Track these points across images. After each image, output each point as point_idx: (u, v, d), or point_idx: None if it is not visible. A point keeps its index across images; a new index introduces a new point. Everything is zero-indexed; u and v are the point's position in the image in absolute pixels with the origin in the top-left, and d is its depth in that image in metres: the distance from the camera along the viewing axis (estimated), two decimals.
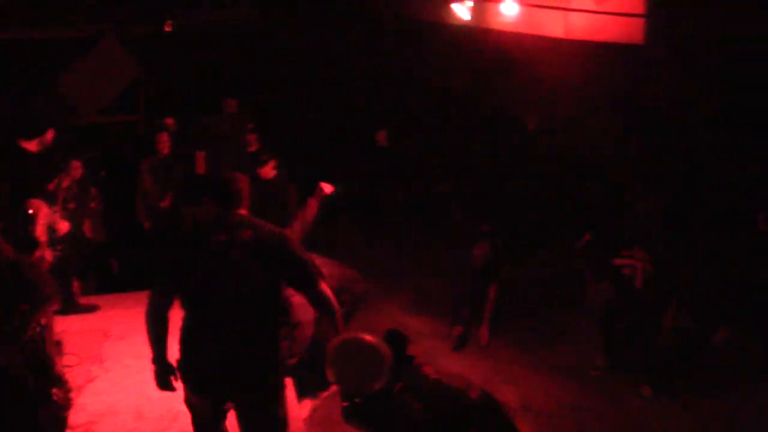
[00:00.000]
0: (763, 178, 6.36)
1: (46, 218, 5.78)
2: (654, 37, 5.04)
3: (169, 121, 9.03)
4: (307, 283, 3.62)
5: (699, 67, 5.57)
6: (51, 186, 6.34)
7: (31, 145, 5.95)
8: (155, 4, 9.57)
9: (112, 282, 7.72)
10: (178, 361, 3.65)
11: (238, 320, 3.50)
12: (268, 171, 7.09)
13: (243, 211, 3.64)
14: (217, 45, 10.60)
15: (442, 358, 6.70)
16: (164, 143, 8.09)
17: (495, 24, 6.91)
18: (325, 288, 3.63)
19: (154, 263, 3.67)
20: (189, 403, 3.76)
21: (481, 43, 7.86)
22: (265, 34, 10.78)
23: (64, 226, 6.55)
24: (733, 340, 6.36)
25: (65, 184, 7.51)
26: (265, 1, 10.54)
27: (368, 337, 3.31)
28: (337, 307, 3.68)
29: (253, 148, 8.82)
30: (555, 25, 6.22)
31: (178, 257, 3.57)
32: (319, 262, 3.85)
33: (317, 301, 3.67)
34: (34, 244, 5.82)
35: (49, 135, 5.98)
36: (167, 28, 9.56)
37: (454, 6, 7.19)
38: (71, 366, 5.82)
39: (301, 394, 5.26)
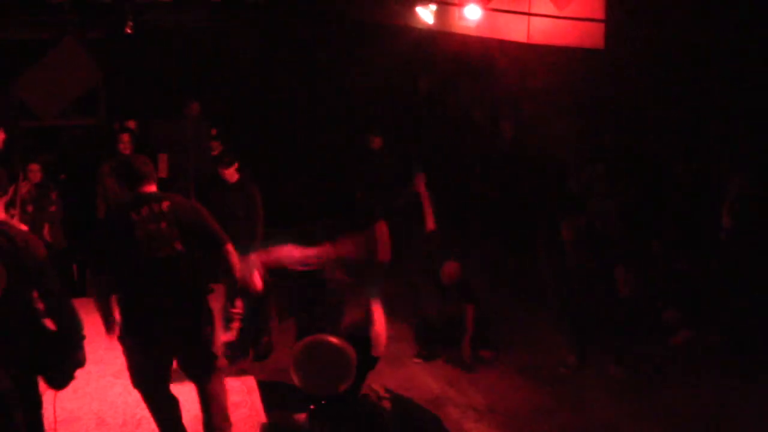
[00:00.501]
0: (724, 177, 6.49)
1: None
2: (613, 42, 5.14)
3: (131, 123, 8.95)
4: (217, 244, 4.22)
5: (657, 70, 5.67)
6: (9, 190, 6.22)
7: None
8: (116, 7, 9.44)
9: (73, 287, 7.59)
10: (122, 327, 4.21)
11: (170, 280, 4.10)
12: (232, 173, 7.04)
13: (152, 188, 4.23)
14: (179, 48, 10.51)
15: (408, 362, 6.74)
16: (126, 144, 8.01)
17: (458, 28, 6.96)
18: (231, 250, 4.26)
19: (91, 249, 4.41)
20: (134, 363, 4.34)
21: (444, 47, 7.91)
22: (227, 37, 10.73)
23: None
24: (695, 341, 6.49)
25: (24, 188, 7.41)
26: (228, 4, 10.47)
27: (333, 339, 3.34)
28: (240, 274, 4.37)
29: (216, 152, 8.77)
30: (517, 30, 6.29)
31: (109, 237, 4.23)
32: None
33: (224, 260, 4.25)
34: None
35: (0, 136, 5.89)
36: (128, 30, 9.44)
37: (419, 9, 7.24)
38: None
39: None
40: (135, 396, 5.32)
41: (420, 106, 10.02)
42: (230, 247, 4.27)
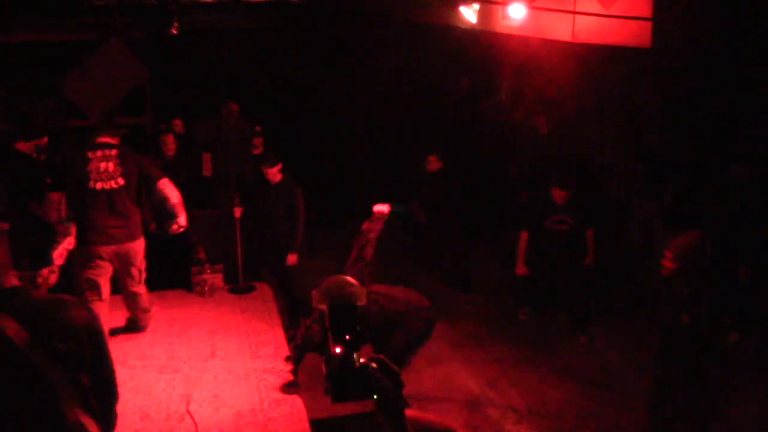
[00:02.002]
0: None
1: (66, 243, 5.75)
2: (660, 41, 5.06)
3: (177, 122, 9.08)
4: (152, 180, 5.94)
5: (705, 71, 5.57)
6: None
7: (26, 148, 6.00)
8: (161, 8, 9.58)
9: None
10: (76, 237, 4.91)
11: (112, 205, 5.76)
12: (275, 173, 7.10)
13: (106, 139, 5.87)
14: (222, 48, 10.63)
15: (446, 362, 6.72)
16: (169, 145, 8.11)
17: (501, 27, 6.91)
18: (166, 184, 5.98)
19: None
20: (87, 258, 5.71)
21: (487, 47, 7.86)
22: (270, 37, 10.82)
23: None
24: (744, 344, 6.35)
25: None
26: (270, 5, 10.56)
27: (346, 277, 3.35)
28: (178, 199, 5.96)
29: (258, 151, 8.86)
30: (562, 29, 6.22)
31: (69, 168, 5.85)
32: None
33: (158, 192, 5.94)
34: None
35: (45, 140, 6.07)
36: (174, 31, 9.58)
37: (462, 9, 7.21)
38: None
39: None
40: (179, 391, 5.44)
41: (461, 106, 9.99)
42: (164, 182, 5.96)
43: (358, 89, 10.49)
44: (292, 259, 7.10)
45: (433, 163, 8.22)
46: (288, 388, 5.52)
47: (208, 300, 7.18)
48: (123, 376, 5.70)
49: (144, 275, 6.13)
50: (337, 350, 2.84)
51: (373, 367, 2.87)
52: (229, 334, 6.45)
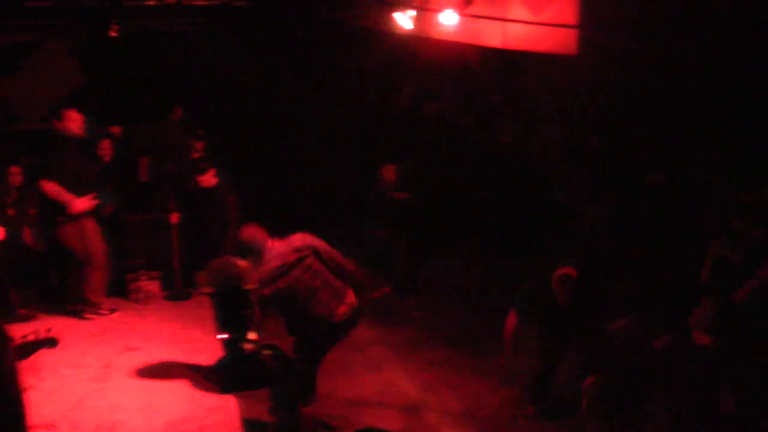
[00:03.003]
0: (703, 183, 6.51)
1: None
2: (586, 48, 5.17)
3: (115, 129, 8.94)
4: None
5: (630, 77, 5.70)
6: None
7: None
8: (100, 10, 9.43)
9: (52, 291, 7.58)
10: None
11: None
12: (209, 179, 7.05)
13: None
14: (164, 52, 10.51)
15: (386, 366, 6.74)
16: (106, 150, 8.00)
17: (437, 33, 6.97)
18: None
19: None
20: None
21: (423, 52, 7.93)
22: (212, 41, 10.73)
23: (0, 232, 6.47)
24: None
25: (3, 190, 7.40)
26: (213, 8, 10.47)
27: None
28: None
29: (197, 155, 8.77)
30: (494, 35, 6.31)
31: None
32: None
33: None
34: None
35: None
36: (113, 33, 9.43)
37: (396, 15, 7.25)
38: None
39: None
40: (109, 400, 5.36)
41: (403, 111, 10.04)
42: None
43: (306, 94, 10.47)
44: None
45: (389, 173, 8.16)
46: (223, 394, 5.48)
47: (144, 307, 7.10)
48: (53, 385, 5.61)
49: None
50: (222, 336, 2.78)
51: (264, 355, 2.80)
52: (164, 342, 6.38)
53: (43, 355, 6.11)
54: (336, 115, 10.28)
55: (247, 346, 2.66)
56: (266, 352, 2.75)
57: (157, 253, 7.42)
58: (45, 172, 6.81)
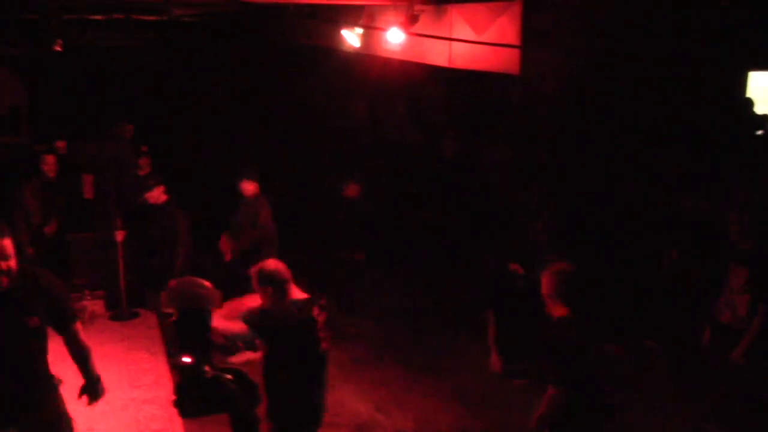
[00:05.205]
0: (638, 197, 6.67)
1: None
2: (527, 67, 5.26)
3: (60, 144, 8.78)
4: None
5: (571, 95, 5.82)
6: None
7: None
8: (43, 24, 9.27)
9: None
10: None
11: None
12: (159, 195, 6.95)
13: None
14: (107, 67, 10.37)
15: (337, 386, 6.70)
16: (50, 166, 7.84)
17: (383, 51, 7.02)
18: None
19: None
20: None
21: (370, 70, 7.97)
22: (156, 57, 10.64)
23: None
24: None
25: None
26: (156, 24, 10.38)
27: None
28: None
29: (143, 172, 8.65)
30: (440, 54, 6.38)
31: None
32: None
33: None
34: None
35: None
36: (57, 48, 9.27)
37: (344, 32, 7.28)
38: None
39: None
40: None
41: (355, 130, 10.06)
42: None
43: (243, 109, 10.42)
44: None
45: (351, 189, 8.12)
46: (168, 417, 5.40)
47: (87, 328, 6.90)
48: None
49: None
50: (186, 360, 2.72)
51: (226, 379, 2.76)
52: (109, 363, 6.23)
53: None
54: (284, 132, 10.25)
55: (209, 370, 2.59)
56: (228, 376, 2.70)
57: (102, 272, 7.28)
58: None
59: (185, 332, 2.81)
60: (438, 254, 8.62)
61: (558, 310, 3.95)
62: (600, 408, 4.00)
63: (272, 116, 10.20)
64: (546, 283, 4.02)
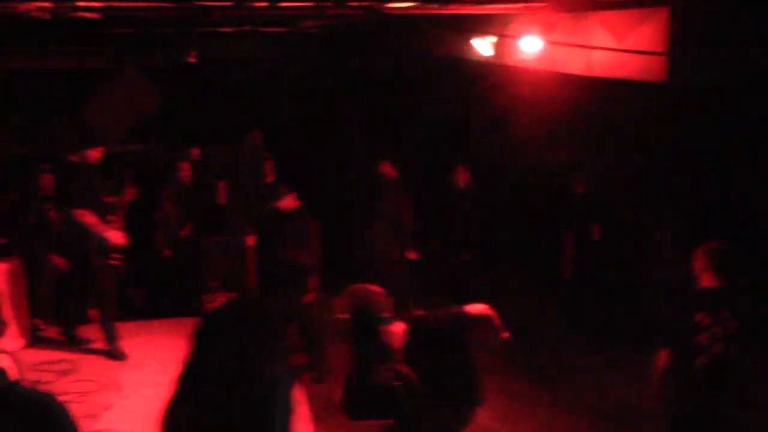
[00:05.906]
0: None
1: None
2: (675, 76, 5.06)
3: (195, 151, 9.12)
4: None
5: (722, 104, 5.54)
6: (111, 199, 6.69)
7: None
8: (179, 37, 9.70)
9: (132, 309, 7.74)
10: None
11: None
12: (290, 202, 7.08)
13: None
14: (239, 77, 10.73)
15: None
16: (186, 172, 8.16)
17: (516, 61, 6.92)
18: None
19: None
20: None
21: (501, 79, 7.85)
22: (287, 69, 10.91)
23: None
24: None
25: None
26: (287, 38, 10.67)
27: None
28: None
29: (270, 179, 8.87)
30: (577, 62, 6.24)
31: None
32: None
33: None
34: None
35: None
36: (192, 60, 9.67)
37: (475, 42, 7.24)
38: (88, 392, 5.83)
39: None
40: None
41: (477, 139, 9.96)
42: None
43: (372, 120, 10.50)
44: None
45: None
46: None
47: None
48: (134, 404, 5.68)
49: None
50: (356, 363, 2.72)
51: (398, 386, 2.73)
52: None
53: (124, 373, 6.31)
54: (415, 144, 10.25)
55: (380, 375, 2.59)
56: (397, 382, 2.68)
57: (233, 274, 7.51)
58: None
59: (359, 338, 2.81)
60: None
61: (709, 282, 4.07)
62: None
63: (403, 127, 10.24)
64: (699, 258, 4.15)
